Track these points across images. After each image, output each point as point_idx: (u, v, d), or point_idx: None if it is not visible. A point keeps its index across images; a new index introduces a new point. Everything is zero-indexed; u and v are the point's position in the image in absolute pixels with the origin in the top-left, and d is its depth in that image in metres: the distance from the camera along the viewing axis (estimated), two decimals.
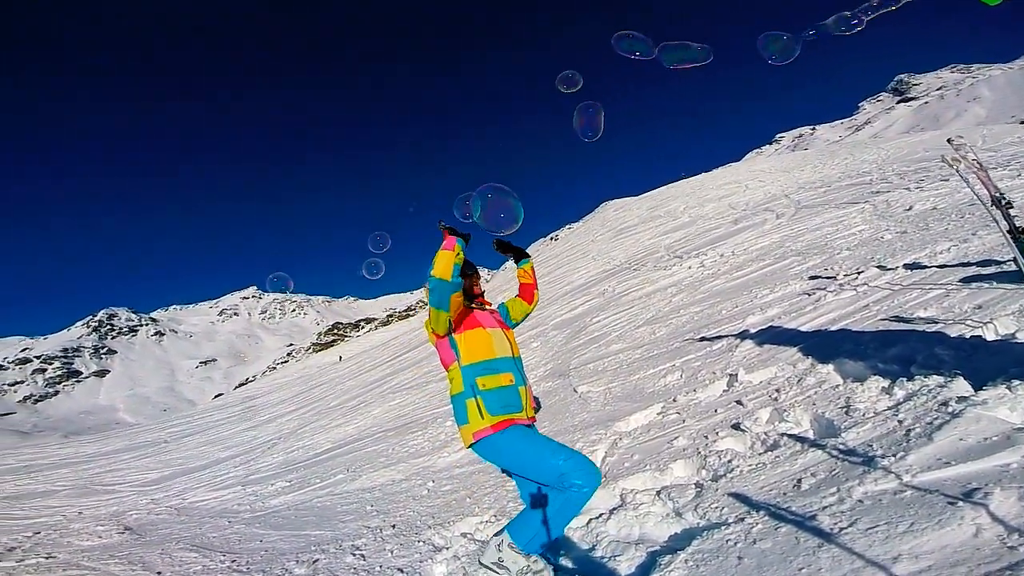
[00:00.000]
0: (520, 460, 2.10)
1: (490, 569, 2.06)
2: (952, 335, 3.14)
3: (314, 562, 3.25)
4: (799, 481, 2.22)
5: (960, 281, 4.11)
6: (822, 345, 3.87)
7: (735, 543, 1.87)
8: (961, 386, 2.45)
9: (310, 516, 4.55)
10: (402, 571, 2.89)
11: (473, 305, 2.36)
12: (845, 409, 2.78)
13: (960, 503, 1.57)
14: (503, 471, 2.33)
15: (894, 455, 2.05)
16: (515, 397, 2.18)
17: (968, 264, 4.59)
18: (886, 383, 2.85)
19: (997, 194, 3.92)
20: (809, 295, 5.48)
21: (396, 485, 4.85)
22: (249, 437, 13.43)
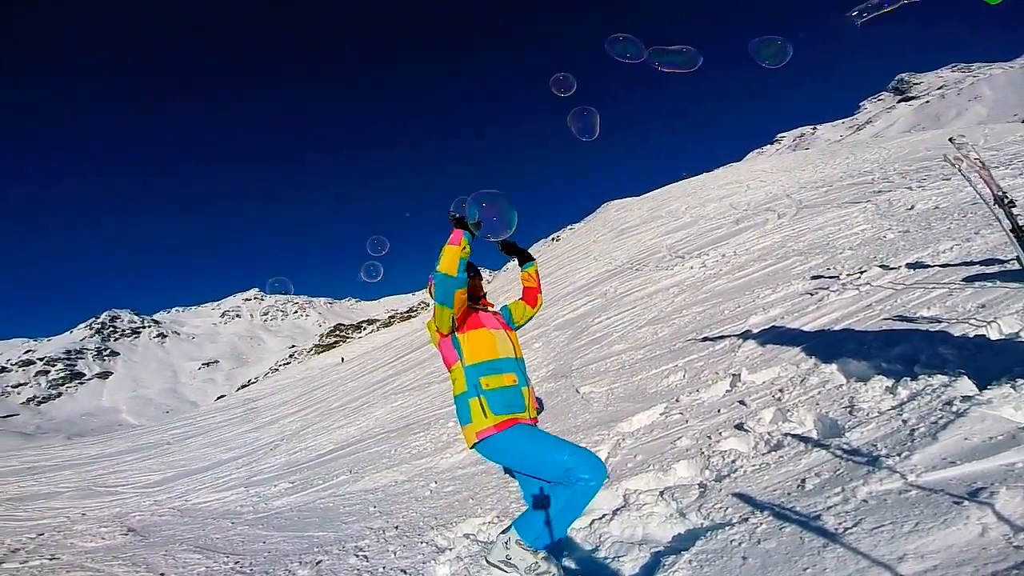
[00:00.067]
0: (525, 458, 2.09)
1: (498, 567, 2.05)
2: (956, 334, 3.13)
3: (317, 563, 3.26)
4: (803, 481, 2.21)
5: (963, 280, 4.10)
6: (825, 345, 3.86)
7: (739, 543, 1.86)
8: (965, 385, 2.44)
9: (313, 517, 4.55)
10: (405, 572, 2.89)
11: (477, 306, 2.36)
12: (849, 409, 2.77)
13: (966, 502, 1.56)
14: (506, 471, 2.32)
15: (899, 455, 2.04)
16: (518, 397, 2.18)
17: (971, 263, 4.57)
18: (890, 383, 2.84)
19: (1000, 193, 3.91)
20: (811, 295, 5.47)
21: (399, 486, 4.85)
22: (252, 439, 13.44)
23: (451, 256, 2.05)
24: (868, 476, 1.97)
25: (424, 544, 3.19)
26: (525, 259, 2.67)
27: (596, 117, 3.15)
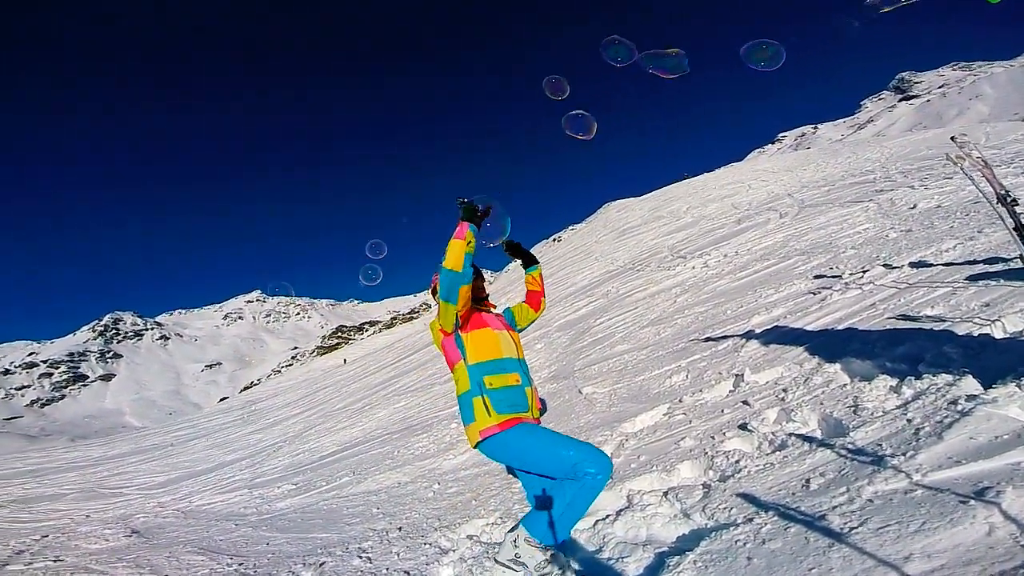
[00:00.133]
0: (530, 455, 2.09)
1: (507, 567, 2.03)
2: (960, 333, 3.12)
3: (321, 565, 3.25)
4: (808, 481, 2.20)
5: (967, 279, 4.08)
6: (829, 344, 3.85)
7: (744, 544, 1.86)
8: (970, 384, 2.43)
9: (316, 519, 4.56)
10: (408, 574, 2.89)
11: (480, 307, 2.36)
12: (853, 408, 2.76)
13: (972, 502, 1.55)
14: (509, 471, 2.32)
15: (904, 454, 2.03)
16: (522, 397, 2.17)
17: (974, 262, 4.56)
18: (894, 382, 2.83)
19: (1002, 191, 3.90)
20: (814, 294, 5.46)
21: (402, 487, 4.85)
22: (255, 440, 13.46)
23: (457, 251, 2.05)
24: (873, 476, 1.96)
25: (427, 545, 3.19)
26: (529, 262, 2.66)
27: (590, 120, 3.17)
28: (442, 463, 5.20)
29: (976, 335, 3.02)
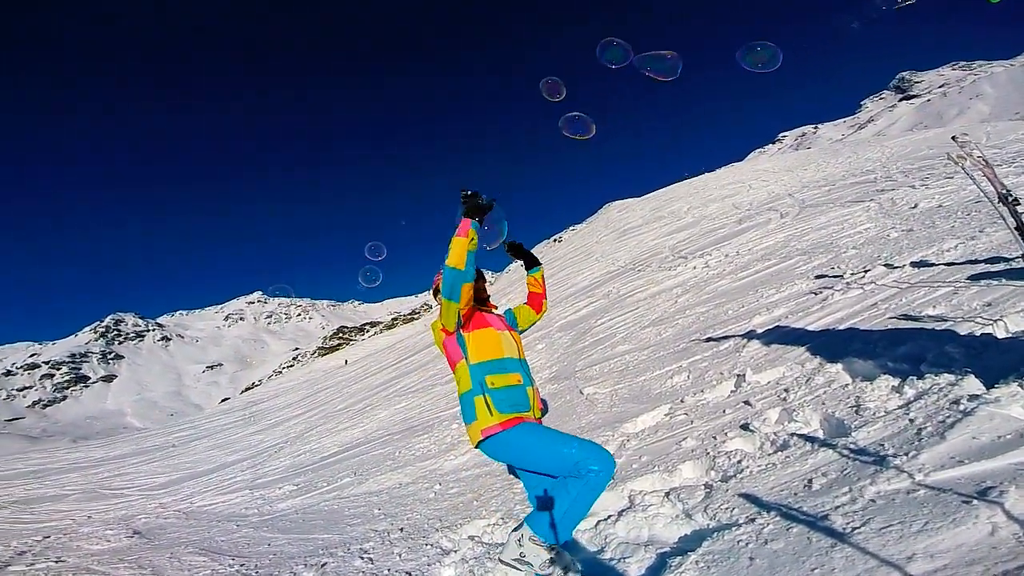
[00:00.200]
0: (532, 453, 2.08)
1: (511, 566, 2.02)
2: (962, 333, 3.11)
3: (322, 566, 3.26)
4: (810, 481, 2.20)
5: (968, 278, 4.08)
6: (830, 344, 3.85)
7: (746, 544, 1.86)
8: (972, 384, 2.43)
9: (317, 520, 4.56)
10: (410, 574, 2.89)
11: (482, 308, 2.36)
12: (855, 408, 2.76)
13: (975, 501, 1.55)
14: (510, 472, 2.31)
15: (906, 454, 2.03)
16: (523, 397, 2.17)
17: (976, 261, 4.55)
18: (896, 382, 2.83)
19: (1004, 191, 3.90)
20: (816, 294, 5.45)
21: (403, 488, 4.85)
22: (256, 441, 13.47)
23: (459, 249, 2.04)
24: (876, 476, 1.96)
25: (429, 546, 3.19)
26: (532, 263, 2.66)
27: (587, 121, 3.17)
28: (443, 464, 5.20)
29: (978, 335, 3.02)
